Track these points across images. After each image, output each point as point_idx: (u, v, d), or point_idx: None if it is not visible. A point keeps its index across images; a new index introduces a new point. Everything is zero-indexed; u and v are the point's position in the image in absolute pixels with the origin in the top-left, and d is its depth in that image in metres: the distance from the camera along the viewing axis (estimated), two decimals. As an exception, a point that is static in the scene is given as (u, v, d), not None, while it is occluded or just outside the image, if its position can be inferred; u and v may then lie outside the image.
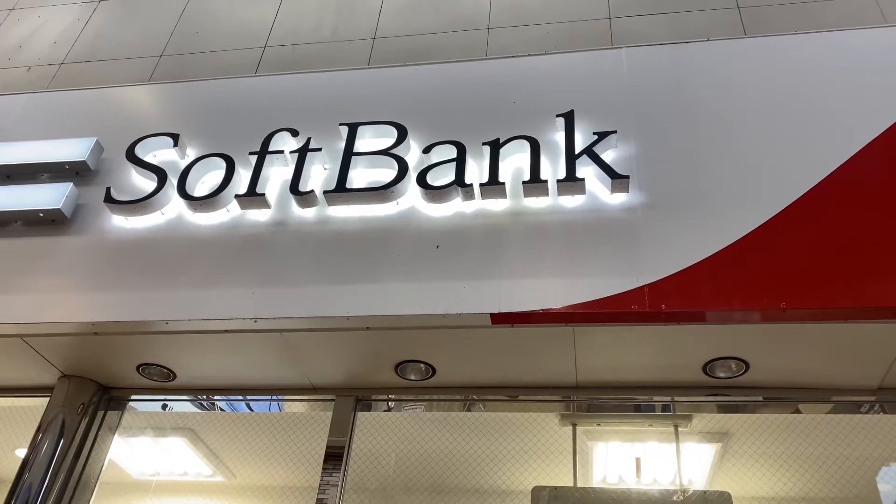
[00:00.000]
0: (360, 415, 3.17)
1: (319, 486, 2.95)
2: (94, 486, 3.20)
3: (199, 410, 3.41)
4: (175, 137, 3.31)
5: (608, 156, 2.95)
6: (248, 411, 3.42)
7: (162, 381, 3.22)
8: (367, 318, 2.74)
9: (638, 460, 3.07)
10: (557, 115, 3.08)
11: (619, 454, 3.17)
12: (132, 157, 3.28)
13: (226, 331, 2.86)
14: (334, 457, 3.03)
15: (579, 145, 2.98)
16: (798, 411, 2.98)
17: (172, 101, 3.75)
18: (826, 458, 3.03)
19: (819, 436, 3.04)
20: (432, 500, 3.19)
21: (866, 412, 2.92)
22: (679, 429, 3.03)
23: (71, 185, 3.22)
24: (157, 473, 3.62)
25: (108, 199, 3.14)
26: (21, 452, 3.13)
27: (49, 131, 3.55)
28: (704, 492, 2.85)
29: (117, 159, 3.34)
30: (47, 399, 3.23)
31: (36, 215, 3.18)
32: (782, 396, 2.95)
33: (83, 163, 3.31)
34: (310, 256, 2.91)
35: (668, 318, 2.58)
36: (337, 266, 2.87)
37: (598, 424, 3.13)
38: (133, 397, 3.34)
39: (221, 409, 3.43)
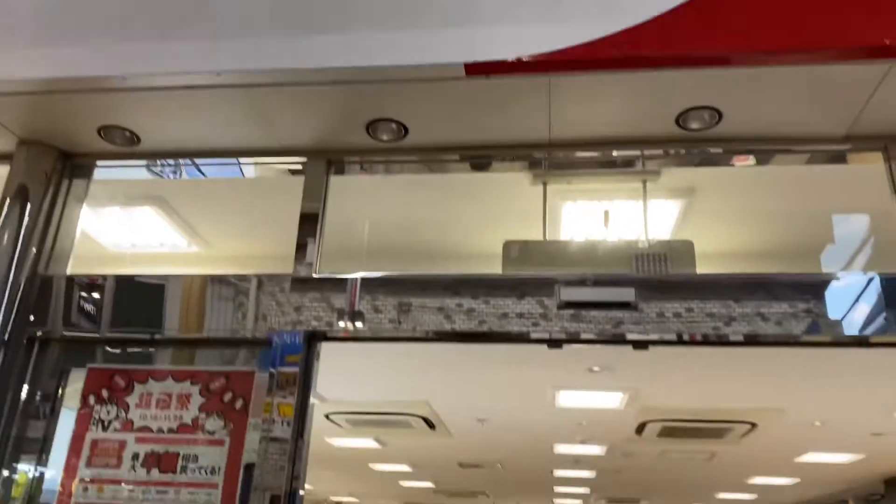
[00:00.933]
0: (332, 178, 3.15)
1: (296, 252, 2.98)
2: (68, 258, 3.20)
3: (168, 178, 3.35)
4: None
5: None
6: (219, 176, 3.37)
7: (126, 145, 3.13)
8: (336, 71, 2.63)
9: (606, 213, 3.16)
10: None
11: (588, 212, 3.26)
12: None
13: (188, 86, 2.74)
14: (309, 221, 3.04)
15: None
16: (766, 163, 3.04)
17: None
18: (789, 212, 3.16)
19: (783, 189, 3.15)
20: (408, 260, 3.27)
21: (832, 161, 2.99)
22: (647, 184, 3.08)
23: (-5, -73, 2.90)
24: (133, 245, 3.64)
25: (42, -57, 2.85)
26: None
27: None
28: (668, 241, 2.97)
29: None
30: (7, 168, 3.14)
31: (-39, -35, 2.89)
32: (751, 148, 2.99)
33: None
34: (271, 4, 2.72)
35: (646, 62, 2.52)
36: (300, 15, 2.69)
37: (569, 182, 3.18)
38: (98, 163, 3.26)
39: (191, 175, 3.37)
